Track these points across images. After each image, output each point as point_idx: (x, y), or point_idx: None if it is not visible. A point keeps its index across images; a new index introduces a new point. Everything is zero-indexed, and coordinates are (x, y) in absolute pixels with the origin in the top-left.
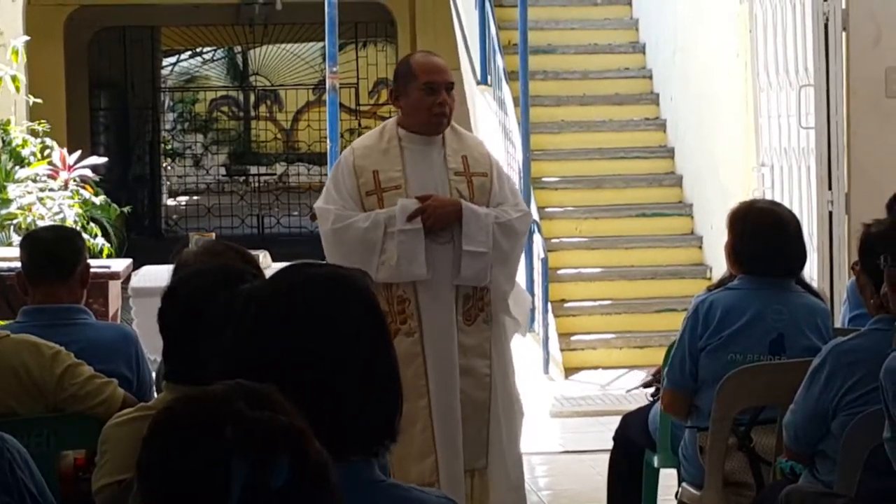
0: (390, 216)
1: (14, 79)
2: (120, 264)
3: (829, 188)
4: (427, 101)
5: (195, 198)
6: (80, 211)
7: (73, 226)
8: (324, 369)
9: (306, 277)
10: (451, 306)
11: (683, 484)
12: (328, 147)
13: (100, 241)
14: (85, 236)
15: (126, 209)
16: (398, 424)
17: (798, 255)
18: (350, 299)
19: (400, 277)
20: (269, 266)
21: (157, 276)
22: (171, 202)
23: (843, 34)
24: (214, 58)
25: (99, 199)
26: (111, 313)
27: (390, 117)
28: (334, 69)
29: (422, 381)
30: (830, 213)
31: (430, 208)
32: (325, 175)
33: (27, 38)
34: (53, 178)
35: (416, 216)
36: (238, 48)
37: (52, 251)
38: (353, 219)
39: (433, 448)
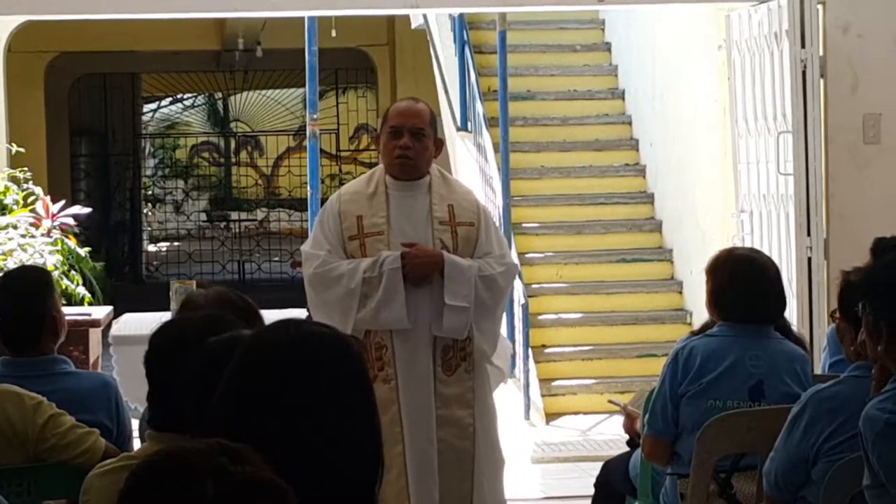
0: (371, 264)
1: None
2: (100, 312)
3: (808, 234)
4: (390, 144)
5: (176, 244)
6: (62, 258)
7: (54, 270)
8: (304, 429)
9: (304, 335)
10: (428, 355)
11: None
12: (309, 193)
13: (81, 289)
14: (66, 282)
15: (99, 265)
16: (377, 492)
17: (777, 302)
18: (343, 363)
19: (377, 323)
20: None
21: (137, 324)
22: (151, 248)
23: (821, 81)
24: (195, 104)
25: (84, 251)
26: (91, 361)
27: (371, 162)
28: (315, 116)
29: (397, 428)
30: (809, 259)
31: (409, 256)
32: (307, 221)
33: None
34: (36, 226)
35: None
36: (218, 94)
37: (13, 321)
38: (335, 264)
39: (407, 496)
